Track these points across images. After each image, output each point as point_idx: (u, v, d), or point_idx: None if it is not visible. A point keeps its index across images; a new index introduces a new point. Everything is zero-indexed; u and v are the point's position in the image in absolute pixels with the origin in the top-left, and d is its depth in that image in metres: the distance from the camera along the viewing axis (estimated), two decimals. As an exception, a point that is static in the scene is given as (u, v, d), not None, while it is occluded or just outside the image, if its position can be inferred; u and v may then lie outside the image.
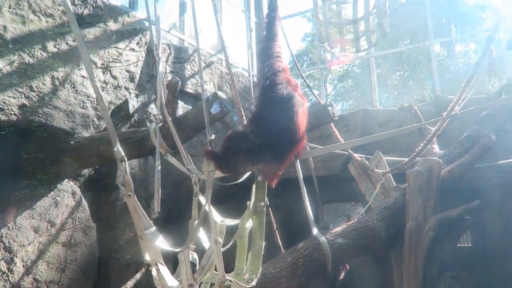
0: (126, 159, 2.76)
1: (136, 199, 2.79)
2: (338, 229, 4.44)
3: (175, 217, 5.36)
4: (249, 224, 2.89)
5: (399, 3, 10.57)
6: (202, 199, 3.11)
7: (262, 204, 2.78)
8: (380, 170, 5.25)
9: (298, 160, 3.83)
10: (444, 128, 4.10)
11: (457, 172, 4.77)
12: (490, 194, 4.70)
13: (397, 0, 10.82)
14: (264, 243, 2.75)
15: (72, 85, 4.22)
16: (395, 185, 5.06)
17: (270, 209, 4.38)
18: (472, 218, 4.35)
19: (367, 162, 5.54)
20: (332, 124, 5.52)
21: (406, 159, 4.65)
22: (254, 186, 2.87)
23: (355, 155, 5.67)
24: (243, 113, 3.33)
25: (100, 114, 4.51)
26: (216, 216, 2.99)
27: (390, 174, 5.17)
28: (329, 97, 15.86)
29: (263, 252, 2.74)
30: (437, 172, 4.52)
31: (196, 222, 2.98)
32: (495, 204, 4.69)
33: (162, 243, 2.75)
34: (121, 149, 2.77)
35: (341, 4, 5.79)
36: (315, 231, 4.08)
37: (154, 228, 2.80)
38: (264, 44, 2.87)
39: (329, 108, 4.96)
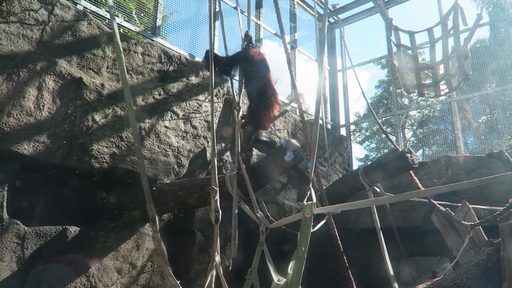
0: (157, 218, 2.97)
1: (165, 259, 2.96)
2: (421, 286, 4.08)
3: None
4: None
5: (482, 45, 10.09)
6: (266, 250, 3.13)
7: (304, 249, 2.70)
8: (468, 222, 4.80)
9: (375, 209, 3.67)
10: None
11: (562, 227, 4.20)
12: None
13: (481, 41, 10.35)
14: None
15: (156, 135, 4.56)
16: (487, 239, 4.57)
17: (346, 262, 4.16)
18: None
19: (453, 213, 5.11)
20: (411, 172, 5.25)
21: (499, 210, 4.21)
22: (299, 234, 2.80)
23: (438, 205, 5.26)
24: (314, 159, 3.32)
25: (181, 162, 4.78)
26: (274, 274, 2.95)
27: (480, 227, 4.70)
28: (408, 143, 15.22)
29: None
30: (537, 226, 4.02)
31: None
32: None
33: None
34: (153, 208, 2.99)
35: (417, 50, 5.70)
36: (396, 286, 3.80)
37: None
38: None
39: (408, 155, 4.75)
